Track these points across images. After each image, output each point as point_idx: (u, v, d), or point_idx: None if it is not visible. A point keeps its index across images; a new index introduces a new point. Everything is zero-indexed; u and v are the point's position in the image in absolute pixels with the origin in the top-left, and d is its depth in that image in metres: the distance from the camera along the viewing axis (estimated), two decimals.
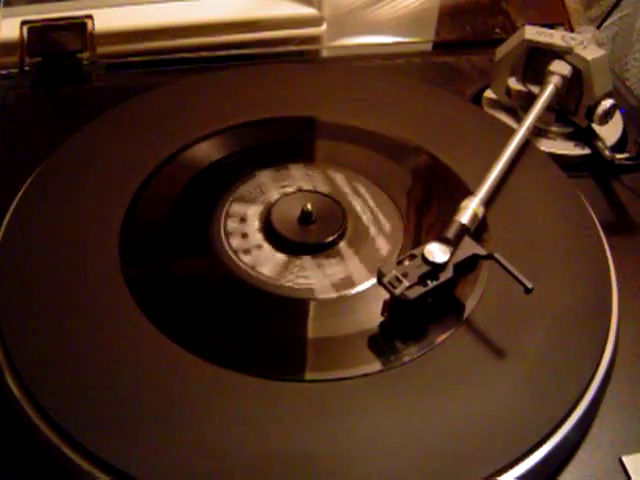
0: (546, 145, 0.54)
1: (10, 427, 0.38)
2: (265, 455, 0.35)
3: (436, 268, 0.40)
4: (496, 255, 0.41)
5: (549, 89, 0.52)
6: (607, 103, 0.52)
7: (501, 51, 0.56)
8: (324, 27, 0.67)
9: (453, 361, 0.39)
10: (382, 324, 0.41)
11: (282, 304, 0.42)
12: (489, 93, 0.58)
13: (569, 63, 0.53)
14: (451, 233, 0.42)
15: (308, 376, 0.39)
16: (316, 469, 0.35)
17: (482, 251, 0.41)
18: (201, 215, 0.46)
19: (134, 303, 0.41)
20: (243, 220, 0.46)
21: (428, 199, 0.49)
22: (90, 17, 0.61)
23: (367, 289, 0.43)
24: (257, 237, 0.45)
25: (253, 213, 0.47)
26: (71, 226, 0.45)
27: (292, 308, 0.42)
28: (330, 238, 0.45)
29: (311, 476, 0.35)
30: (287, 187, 0.48)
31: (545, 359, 0.40)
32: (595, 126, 0.54)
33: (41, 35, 0.60)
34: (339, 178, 0.49)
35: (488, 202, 0.46)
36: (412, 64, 0.64)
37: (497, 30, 0.67)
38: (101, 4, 0.63)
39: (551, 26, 0.60)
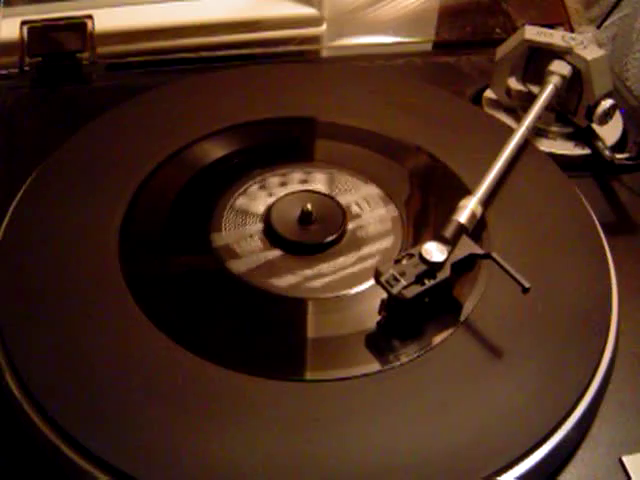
0: (546, 145, 0.54)
1: (10, 427, 0.38)
2: (265, 455, 0.35)
3: (433, 267, 0.40)
4: (493, 254, 0.41)
5: (549, 89, 0.52)
6: (607, 103, 0.52)
7: (501, 51, 0.56)
8: (324, 27, 0.67)
9: (452, 361, 0.39)
10: (380, 323, 0.41)
11: (281, 304, 0.42)
12: (489, 93, 0.58)
13: (569, 63, 0.53)
14: (449, 232, 0.42)
15: (306, 376, 0.39)
16: (316, 469, 0.35)
17: (479, 250, 0.41)
18: (201, 215, 0.46)
19: (134, 302, 0.41)
20: (243, 220, 0.46)
21: (427, 199, 0.49)
22: (90, 17, 0.61)
23: (366, 289, 0.42)
24: (257, 237, 0.45)
25: (253, 213, 0.47)
26: (71, 226, 0.45)
27: (291, 308, 0.42)
28: (330, 238, 0.45)
29: (311, 476, 0.35)
30: (287, 187, 0.48)
31: (544, 359, 0.40)
32: (595, 126, 0.54)
33: (41, 35, 0.60)
34: (339, 178, 0.49)
35: (487, 202, 0.46)
36: (412, 64, 0.64)
37: (497, 30, 0.67)
38: (101, 4, 0.63)
39: (551, 26, 0.60)
